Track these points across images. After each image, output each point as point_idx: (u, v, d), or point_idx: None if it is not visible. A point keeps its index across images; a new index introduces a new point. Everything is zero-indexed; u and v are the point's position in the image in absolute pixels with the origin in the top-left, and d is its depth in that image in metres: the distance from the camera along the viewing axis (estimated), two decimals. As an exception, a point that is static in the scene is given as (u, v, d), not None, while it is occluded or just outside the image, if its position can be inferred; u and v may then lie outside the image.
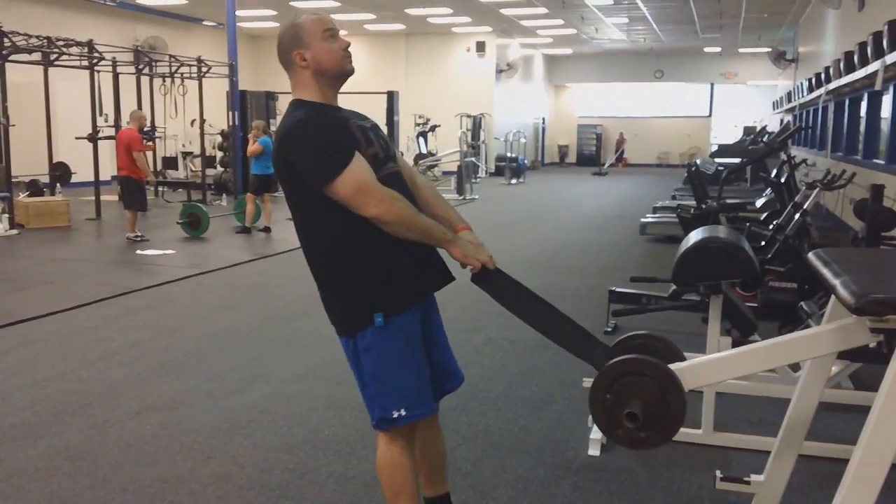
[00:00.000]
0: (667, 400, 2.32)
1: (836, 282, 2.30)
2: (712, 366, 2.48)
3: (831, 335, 2.33)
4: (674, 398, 2.33)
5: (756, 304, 6.42)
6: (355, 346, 2.66)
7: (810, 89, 16.61)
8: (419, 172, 2.93)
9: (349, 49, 2.68)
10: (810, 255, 2.67)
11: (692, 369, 2.41)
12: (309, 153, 2.53)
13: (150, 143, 11.42)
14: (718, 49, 30.13)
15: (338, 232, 2.60)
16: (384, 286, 2.61)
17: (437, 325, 2.86)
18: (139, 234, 11.14)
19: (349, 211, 2.53)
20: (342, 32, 2.72)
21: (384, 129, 19.23)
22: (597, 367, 2.44)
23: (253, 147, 11.70)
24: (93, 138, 13.98)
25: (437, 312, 2.88)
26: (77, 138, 14.31)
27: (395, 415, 2.64)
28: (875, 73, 9.66)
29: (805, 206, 6.83)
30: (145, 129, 12.94)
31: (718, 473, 3.12)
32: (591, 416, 4.22)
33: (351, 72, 2.69)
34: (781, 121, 23.89)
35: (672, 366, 2.38)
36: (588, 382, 2.79)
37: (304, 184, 2.56)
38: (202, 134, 16.95)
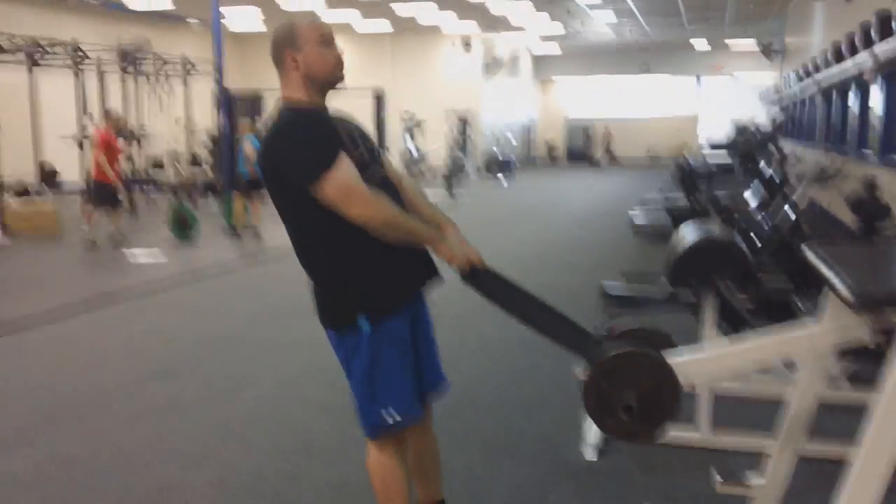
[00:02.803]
0: (661, 392, 2.31)
1: (833, 277, 2.29)
2: (709, 361, 2.46)
3: (829, 330, 2.32)
4: (668, 390, 2.31)
5: (748, 300, 6.41)
6: (345, 346, 2.65)
7: (798, 81, 16.61)
8: (406, 174, 2.92)
9: (342, 58, 2.67)
10: (805, 250, 2.65)
11: (689, 364, 2.40)
12: (295, 153, 2.54)
13: (120, 146, 11.20)
14: (705, 41, 30.15)
15: (322, 235, 2.60)
16: (368, 290, 2.62)
17: (427, 321, 2.85)
18: (89, 236, 10.86)
19: (333, 214, 2.53)
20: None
21: (372, 127, 19.22)
22: (590, 361, 2.41)
23: (250, 148, 11.49)
24: (79, 139, 13.88)
25: (425, 307, 2.85)
26: (62, 138, 14.21)
27: (391, 420, 2.63)
28: (863, 62, 9.67)
29: (796, 200, 6.82)
30: (123, 129, 12.66)
31: (718, 476, 3.11)
32: (587, 422, 4.21)
33: (340, 80, 2.69)
34: (769, 113, 23.92)
35: (669, 360, 2.36)
36: (581, 373, 2.77)
37: (289, 186, 2.56)
38: (188, 134, 16.85)
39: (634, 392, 2.31)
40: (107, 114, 11.71)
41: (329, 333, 2.70)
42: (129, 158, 15.99)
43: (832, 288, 2.28)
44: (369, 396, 2.64)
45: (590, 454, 4.01)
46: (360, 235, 2.55)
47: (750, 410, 4.57)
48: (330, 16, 21.90)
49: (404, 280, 2.70)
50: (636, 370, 2.33)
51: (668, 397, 2.31)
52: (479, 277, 2.69)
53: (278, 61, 2.66)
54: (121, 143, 11.92)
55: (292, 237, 2.69)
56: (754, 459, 3.71)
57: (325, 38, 2.64)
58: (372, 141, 2.78)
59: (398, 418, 2.63)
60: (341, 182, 2.49)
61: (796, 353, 2.62)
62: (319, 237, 2.61)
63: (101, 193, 10.86)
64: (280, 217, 2.68)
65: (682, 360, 2.38)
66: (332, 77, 2.66)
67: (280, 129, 2.59)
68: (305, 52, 2.61)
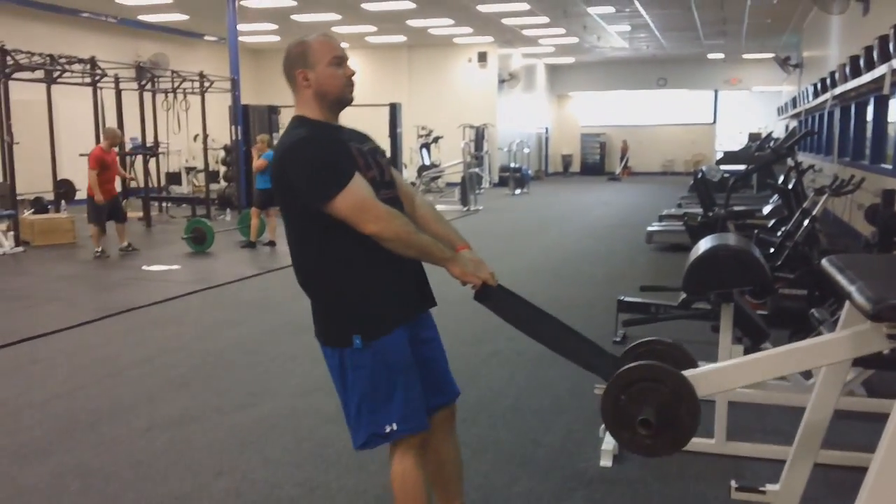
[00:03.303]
0: (679, 407, 2.29)
1: (851, 288, 2.28)
2: (726, 372, 2.45)
3: (847, 341, 2.30)
4: (687, 406, 2.30)
5: (766, 312, 6.38)
6: (341, 361, 2.68)
7: (815, 94, 16.57)
8: (418, 191, 2.93)
9: (353, 78, 2.69)
10: (824, 262, 2.65)
11: (706, 376, 2.39)
12: (309, 172, 2.55)
13: (125, 171, 11.31)
14: (722, 55, 30.11)
15: (322, 251, 2.63)
16: (362, 310, 2.63)
17: (428, 342, 2.85)
18: (98, 249, 11.05)
19: (335, 233, 2.56)
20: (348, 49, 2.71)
21: (387, 141, 19.29)
22: (605, 378, 2.41)
23: (258, 162, 11.65)
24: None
25: (428, 330, 2.86)
26: (81, 155, 14.33)
27: (388, 429, 2.66)
28: (882, 76, 9.63)
29: (814, 213, 6.80)
30: (121, 145, 12.63)
31: (733, 483, 3.10)
32: (602, 427, 4.20)
33: (350, 101, 2.71)
34: (787, 127, 23.85)
35: (685, 372, 2.35)
36: (600, 390, 2.77)
37: (297, 201, 2.59)
38: (205, 149, 16.96)
39: (651, 407, 2.30)
40: (105, 131, 11.82)
41: (324, 349, 2.73)
42: (146, 173, 16.10)
43: (850, 298, 2.27)
44: (367, 409, 2.66)
45: (604, 462, 4.00)
46: (359, 256, 2.59)
47: (766, 417, 4.55)
48: (345, 30, 22.03)
49: (398, 303, 2.69)
50: (652, 384, 2.32)
51: (685, 411, 2.30)
52: (493, 296, 2.70)
53: (290, 78, 2.70)
54: (128, 156, 11.95)
55: (293, 250, 2.72)
56: (770, 467, 3.69)
57: (338, 58, 2.66)
58: (385, 162, 2.79)
59: (396, 427, 2.65)
60: (356, 199, 2.51)
61: (815, 364, 2.60)
62: (320, 254, 2.63)
63: (98, 210, 10.97)
64: (285, 228, 2.71)
65: (698, 374, 2.37)
66: (342, 97, 2.69)
67: (294, 146, 2.60)
68: (318, 71, 2.64)
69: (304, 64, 2.64)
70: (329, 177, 2.52)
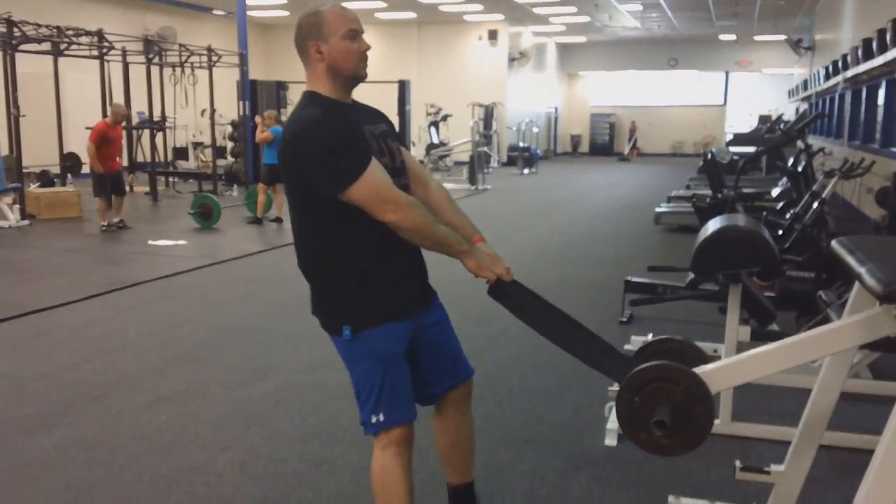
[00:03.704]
0: (694, 406, 2.28)
1: (861, 270, 2.25)
2: (739, 366, 2.42)
3: (858, 327, 2.27)
4: (701, 404, 2.28)
5: (773, 294, 6.37)
6: (338, 348, 2.68)
7: (827, 77, 16.47)
8: (432, 176, 2.88)
9: (367, 54, 2.59)
10: (834, 243, 2.62)
11: (719, 372, 2.37)
12: (324, 157, 2.44)
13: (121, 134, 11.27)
14: (734, 37, 29.96)
15: (324, 237, 2.57)
16: (356, 300, 2.58)
17: (434, 325, 2.81)
18: (104, 223, 11.08)
19: (342, 220, 2.51)
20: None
21: (396, 119, 19.20)
22: (619, 380, 2.39)
23: (263, 135, 11.59)
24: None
25: (434, 313, 2.82)
26: (87, 128, 14.33)
27: (374, 419, 2.63)
28: (894, 59, 9.56)
29: (823, 195, 6.76)
30: (126, 120, 12.53)
31: (738, 463, 3.08)
32: (607, 407, 4.20)
33: (364, 77, 2.60)
34: (797, 110, 23.73)
35: (697, 369, 2.33)
36: (613, 391, 2.76)
37: (306, 184, 2.50)
38: (213, 124, 16.93)
39: (666, 407, 2.28)
40: (112, 106, 11.79)
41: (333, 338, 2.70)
42: (153, 147, 16.09)
43: (860, 279, 2.24)
44: (357, 394, 2.67)
45: (609, 440, 4.00)
46: (364, 245, 2.54)
47: (771, 399, 4.54)
48: (355, 5, 21.95)
49: (395, 298, 2.64)
50: (665, 384, 2.30)
51: (700, 410, 2.29)
52: (506, 291, 2.67)
53: (302, 50, 2.57)
54: (135, 130, 11.87)
55: (296, 233, 2.66)
56: (775, 448, 3.69)
57: (353, 31, 2.53)
58: (396, 143, 2.71)
59: (382, 418, 2.62)
60: (374, 187, 2.44)
61: (828, 352, 2.58)
62: (324, 239, 2.58)
63: (103, 183, 10.98)
64: (289, 208, 2.64)
65: (710, 370, 2.36)
66: (355, 73, 2.57)
67: (307, 128, 2.48)
68: (331, 43, 2.51)
69: (318, 36, 2.51)
70: (346, 163, 2.43)
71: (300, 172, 2.49)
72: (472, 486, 3.05)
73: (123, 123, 11.97)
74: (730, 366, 2.43)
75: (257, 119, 12.34)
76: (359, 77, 2.59)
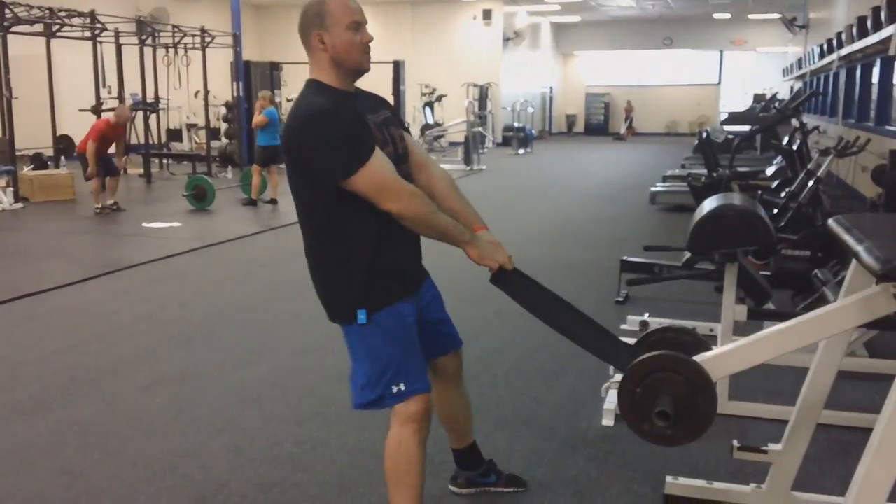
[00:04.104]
0: (696, 395, 2.27)
1: (859, 248, 2.24)
2: (739, 353, 2.41)
3: (857, 307, 2.26)
4: (703, 393, 2.27)
5: (769, 273, 6.36)
6: (349, 333, 2.68)
7: (821, 55, 16.42)
8: (436, 163, 2.88)
9: (370, 45, 2.58)
10: (830, 222, 2.61)
11: (719, 359, 2.36)
12: (328, 147, 2.46)
13: (124, 158, 11.19)
14: (728, 15, 29.85)
15: (329, 225, 2.59)
16: (368, 284, 2.59)
17: (430, 302, 2.85)
18: (98, 205, 11.01)
19: (346, 207, 2.52)
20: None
21: (390, 99, 19.18)
22: (620, 368, 2.39)
23: (259, 118, 11.57)
24: (96, 110, 13.94)
25: (428, 290, 2.86)
26: (81, 110, 14.28)
27: (395, 389, 2.63)
28: (889, 38, 9.51)
29: (818, 174, 6.75)
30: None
31: (735, 443, 3.09)
32: (604, 387, 4.20)
33: (367, 70, 2.60)
34: (792, 88, 23.69)
35: (698, 357, 2.32)
36: (615, 382, 2.76)
37: (310, 173, 2.52)
38: (206, 105, 16.85)
39: (668, 397, 2.27)
40: (117, 108, 11.70)
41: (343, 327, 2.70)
42: (147, 129, 16.02)
43: (857, 257, 2.23)
44: (374, 374, 2.63)
45: (606, 421, 3.99)
46: (368, 231, 2.55)
47: (768, 378, 4.52)
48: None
49: (403, 278, 2.69)
50: (666, 374, 2.29)
51: (702, 399, 2.28)
52: (508, 279, 2.70)
53: (305, 39, 2.56)
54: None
55: (302, 222, 2.68)
56: (773, 427, 3.69)
57: (356, 22, 2.53)
58: (399, 130, 2.72)
59: (404, 387, 2.62)
60: (377, 177, 2.46)
61: (825, 336, 2.57)
62: (324, 227, 2.60)
63: (87, 166, 10.90)
64: (293, 196, 2.65)
65: (711, 358, 2.35)
66: (358, 65, 2.58)
67: (311, 118, 2.49)
68: (333, 34, 2.51)
69: (321, 25, 2.51)
70: (349, 153, 2.45)
71: (304, 162, 2.51)
72: (474, 444, 3.26)
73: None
74: (730, 353, 2.42)
75: (256, 106, 12.23)
76: (361, 70, 2.60)
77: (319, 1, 2.54)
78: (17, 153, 12.52)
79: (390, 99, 18.91)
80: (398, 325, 2.63)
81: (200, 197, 11.57)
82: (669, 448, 3.65)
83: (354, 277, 2.59)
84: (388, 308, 2.61)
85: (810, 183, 6.76)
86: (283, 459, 3.63)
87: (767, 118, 13.11)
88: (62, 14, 13.46)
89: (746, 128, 14.03)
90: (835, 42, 14.55)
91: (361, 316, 2.58)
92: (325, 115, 2.48)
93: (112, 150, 11.20)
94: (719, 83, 34.40)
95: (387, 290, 2.61)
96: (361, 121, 2.53)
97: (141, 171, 15.27)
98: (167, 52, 16.42)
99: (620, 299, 6.33)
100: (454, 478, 3.30)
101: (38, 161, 14.03)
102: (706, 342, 2.56)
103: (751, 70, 33.42)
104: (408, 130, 2.82)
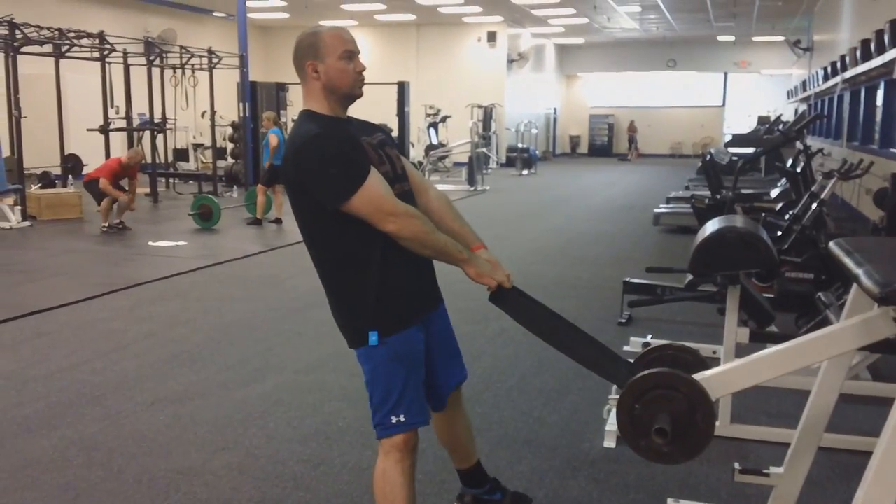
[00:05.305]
0: (694, 413, 2.28)
1: (859, 271, 2.25)
2: (739, 372, 2.41)
3: (856, 329, 2.27)
4: (702, 411, 2.28)
5: (772, 295, 6.37)
6: (361, 357, 2.69)
7: (825, 78, 16.47)
8: (433, 184, 2.92)
9: (363, 74, 2.67)
10: (832, 245, 2.62)
11: (719, 378, 2.36)
12: (323, 171, 2.51)
13: (133, 195, 11.27)
14: (732, 38, 29.96)
15: (337, 249, 2.63)
16: (378, 307, 2.62)
17: (438, 335, 2.86)
18: (105, 224, 11.06)
19: (349, 232, 2.56)
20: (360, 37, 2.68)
21: (395, 120, 19.21)
22: (620, 385, 2.39)
23: (274, 140, 11.57)
24: (104, 130, 14.01)
25: (441, 319, 2.89)
26: (88, 130, 14.35)
27: (394, 420, 2.65)
28: (892, 61, 9.56)
29: (822, 196, 6.76)
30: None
31: (737, 465, 3.09)
32: (605, 408, 4.20)
33: (359, 96, 2.69)
34: (796, 110, 23.73)
35: (698, 375, 2.33)
36: (614, 400, 2.76)
37: (311, 200, 2.56)
38: (213, 125, 16.94)
39: (666, 414, 2.28)
40: (130, 150, 11.82)
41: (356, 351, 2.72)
42: (154, 149, 16.09)
43: (857, 281, 2.24)
44: (378, 399, 2.67)
45: (608, 442, 4.00)
46: (376, 254, 2.58)
47: (770, 400, 4.54)
48: (354, 7, 21.95)
49: (413, 302, 2.72)
50: (665, 392, 2.30)
51: (700, 417, 2.29)
52: (508, 298, 2.72)
53: (300, 69, 2.65)
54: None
55: (310, 249, 2.71)
56: (774, 450, 3.69)
57: (349, 52, 2.61)
58: (395, 150, 2.77)
59: (403, 419, 2.65)
60: (373, 198, 2.49)
61: (824, 357, 2.58)
62: (332, 253, 2.64)
63: (93, 190, 11.02)
64: (297, 223, 2.69)
65: (710, 376, 2.35)
66: (351, 92, 2.65)
67: (305, 145, 2.54)
68: (328, 64, 2.59)
69: (315, 56, 2.59)
70: (345, 175, 2.49)
71: (303, 188, 2.56)
72: (478, 463, 3.25)
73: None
74: (730, 371, 2.43)
75: (262, 130, 12.22)
76: (354, 95, 2.68)
77: (313, 32, 2.63)
78: (26, 172, 12.59)
79: (394, 120, 19.12)
80: (408, 350, 2.66)
81: (206, 216, 11.61)
82: (671, 470, 3.67)
83: (364, 300, 2.62)
84: (401, 332, 2.63)
85: (814, 205, 6.77)
86: (285, 477, 3.64)
87: (771, 140, 13.14)
88: (71, 35, 13.56)
89: (751, 150, 14.06)
90: (839, 65, 14.61)
91: (373, 337, 2.61)
92: (318, 139, 2.54)
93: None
94: (724, 105, 34.46)
95: (398, 311, 2.64)
96: (355, 143, 2.58)
97: (148, 190, 15.32)
98: (175, 72, 16.54)
99: (623, 321, 6.34)
100: (461, 496, 3.30)
101: (46, 180, 14.09)
102: (705, 360, 2.57)
103: (755, 92, 33.47)
104: (405, 155, 2.86)
